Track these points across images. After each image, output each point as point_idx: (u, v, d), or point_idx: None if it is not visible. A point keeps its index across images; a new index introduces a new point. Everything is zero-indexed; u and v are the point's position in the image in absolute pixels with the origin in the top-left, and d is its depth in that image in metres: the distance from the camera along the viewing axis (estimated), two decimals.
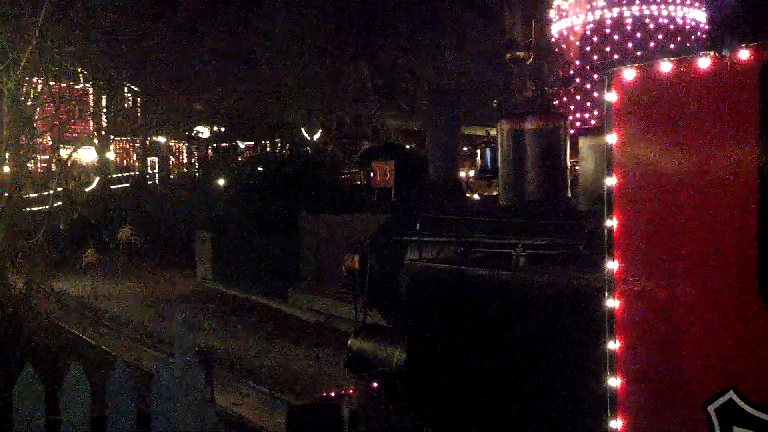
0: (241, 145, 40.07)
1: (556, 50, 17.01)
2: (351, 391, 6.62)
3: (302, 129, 34.67)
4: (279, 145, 37.56)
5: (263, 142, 39.14)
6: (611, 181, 3.91)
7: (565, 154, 6.45)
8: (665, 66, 3.70)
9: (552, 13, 18.02)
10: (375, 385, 6.36)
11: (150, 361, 11.09)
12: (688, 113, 3.60)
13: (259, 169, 25.46)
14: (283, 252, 20.29)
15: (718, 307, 3.41)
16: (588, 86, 16.36)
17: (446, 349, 5.55)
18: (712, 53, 3.50)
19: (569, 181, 6.70)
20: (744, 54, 3.38)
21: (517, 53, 7.20)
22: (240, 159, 34.96)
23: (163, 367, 4.65)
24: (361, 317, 7.26)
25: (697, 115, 3.57)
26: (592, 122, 16.14)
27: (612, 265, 3.86)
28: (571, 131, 6.94)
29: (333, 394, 6.69)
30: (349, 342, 7.19)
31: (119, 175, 36.91)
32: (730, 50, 3.40)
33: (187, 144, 42.72)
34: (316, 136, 34.78)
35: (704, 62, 3.54)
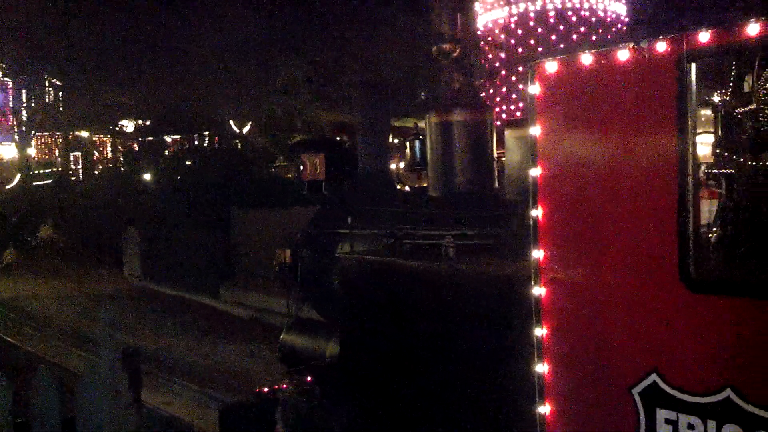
0: (168, 138, 39.28)
1: (482, 43, 17.20)
2: (285, 386, 6.57)
3: (231, 122, 34.20)
4: (207, 138, 36.97)
5: (191, 135, 38.46)
6: (536, 172, 3.98)
7: (492, 146, 6.53)
8: (586, 58, 3.78)
9: (477, 6, 18.21)
10: (309, 378, 6.33)
11: (77, 362, 10.80)
12: (609, 104, 3.69)
13: (187, 163, 25.04)
14: (213, 247, 20.02)
15: (640, 293, 3.50)
16: (513, 78, 16.61)
17: (379, 340, 5.57)
18: (631, 45, 3.58)
19: (496, 172, 6.79)
20: (661, 46, 3.47)
21: (444, 46, 7.23)
22: (167, 153, 34.29)
23: (87, 369, 4.53)
24: (294, 311, 7.22)
25: (617, 106, 3.65)
26: (518, 114, 16.41)
27: (537, 253, 3.94)
28: (498, 123, 7.04)
29: (266, 389, 6.63)
30: (282, 336, 7.14)
31: (41, 171, 35.77)
32: (648, 43, 3.49)
33: (111, 138, 41.65)
34: (246, 129, 34.36)
35: (623, 54, 3.63)
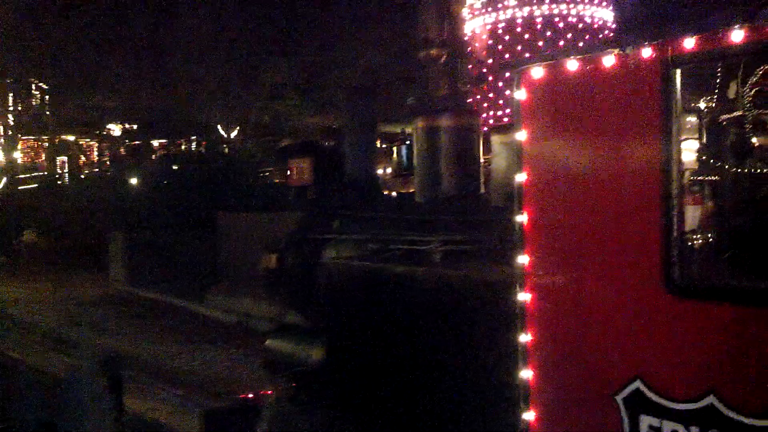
0: (155, 143, 39.16)
1: (470, 49, 17.23)
2: (269, 392, 6.53)
3: (218, 126, 34.13)
4: (195, 142, 36.88)
5: (178, 139, 38.36)
6: (521, 178, 3.98)
7: (479, 152, 6.53)
8: (572, 64, 3.78)
9: (465, 12, 18.24)
10: (293, 384, 6.29)
11: (58, 367, 10.70)
12: (594, 110, 3.69)
13: (174, 167, 24.95)
14: (200, 252, 19.94)
15: (624, 298, 3.50)
16: (500, 84, 16.65)
17: (365, 346, 5.55)
18: (616, 51, 3.58)
19: (483, 178, 6.79)
20: (646, 52, 3.47)
21: (432, 51, 7.24)
22: (153, 157, 34.17)
23: (67, 374, 4.49)
24: (279, 317, 7.18)
25: (602, 112, 3.65)
26: (506, 120, 16.44)
27: (523, 259, 3.93)
28: (485, 128, 7.04)
29: (250, 395, 6.59)
30: (266, 342, 7.09)
31: (27, 175, 35.55)
32: (633, 49, 3.49)
33: (98, 142, 41.48)
34: (233, 134, 34.31)
35: (609, 60, 3.63)
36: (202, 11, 30.59)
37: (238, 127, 34.33)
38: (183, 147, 37.61)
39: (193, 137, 36.80)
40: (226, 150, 31.12)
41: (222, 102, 32.11)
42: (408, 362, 5.18)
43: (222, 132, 34.39)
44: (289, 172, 8.13)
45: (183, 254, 20.07)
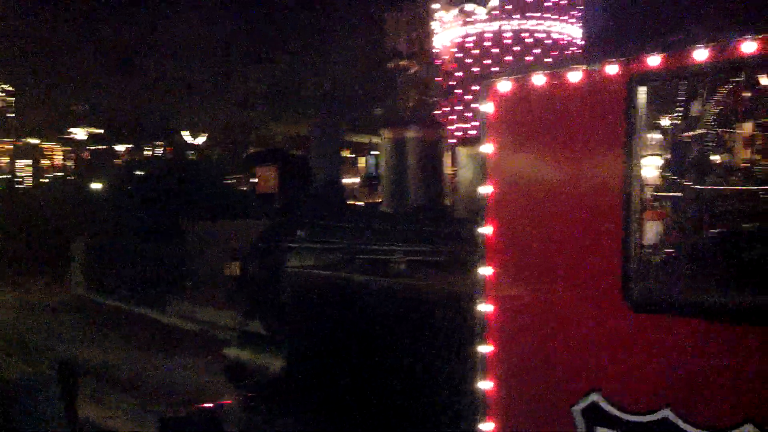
0: (121, 148, 38.74)
1: (438, 61, 17.34)
2: (229, 401, 6.46)
3: (186, 132, 33.89)
4: (162, 149, 36.56)
5: (144, 145, 37.99)
6: (486, 190, 3.99)
7: (445, 163, 6.57)
8: (538, 79, 3.80)
9: (435, 25, 18.35)
10: (253, 394, 6.23)
11: (14, 373, 10.49)
12: (559, 125, 3.71)
13: (140, 173, 24.68)
14: (164, 259, 19.69)
15: (584, 311, 3.52)
16: (469, 97, 16.76)
17: (329, 355, 5.51)
18: (582, 67, 3.62)
19: (451, 189, 6.83)
20: (612, 68, 3.51)
21: (401, 63, 7.27)
22: (119, 162, 33.80)
23: (21, 380, 4.39)
24: (241, 325, 7.11)
25: (567, 126, 3.68)
26: (473, 132, 16.55)
27: (486, 270, 3.93)
28: (453, 140, 7.08)
29: (210, 404, 6.50)
30: (226, 350, 7.01)
31: None
32: (599, 65, 3.52)
33: (62, 146, 40.93)
34: (201, 140, 34.09)
35: (575, 76, 3.66)
36: (173, 17, 30.42)
37: (206, 134, 34.14)
38: (149, 152, 37.26)
39: (160, 143, 36.50)
40: (193, 156, 30.90)
41: (191, 108, 31.90)
42: (370, 371, 5.16)
43: (190, 138, 34.15)
44: (255, 180, 8.09)
45: (146, 261, 19.81)
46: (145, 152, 37.20)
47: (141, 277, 19.44)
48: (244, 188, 23.70)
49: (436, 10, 18.02)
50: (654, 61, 3.38)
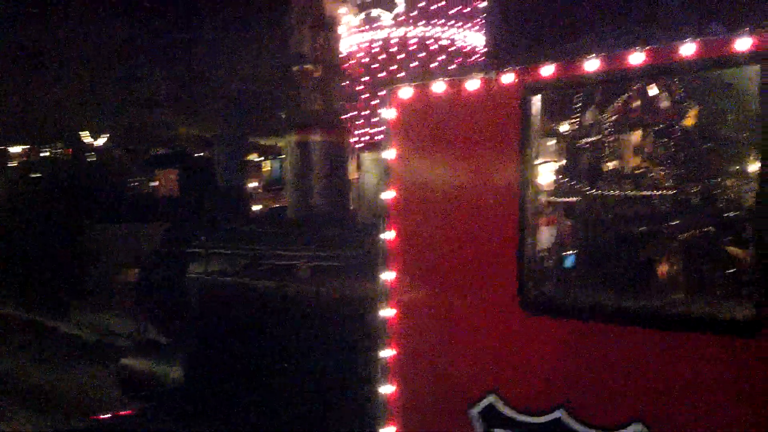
0: (16, 149, 37.05)
1: (344, 66, 17.37)
2: (128, 412, 6.27)
3: (87, 133, 32.72)
4: (61, 149, 35.16)
5: (40, 146, 36.46)
6: (388, 195, 4.02)
7: (349, 168, 6.58)
8: (439, 86, 3.87)
9: (341, 29, 18.34)
10: (151, 404, 6.07)
11: None
12: (458, 132, 3.78)
13: (36, 175, 23.67)
14: (61, 265, 18.94)
15: (481, 315, 3.60)
16: (375, 102, 16.84)
17: (230, 362, 5.43)
18: (480, 75, 3.70)
19: (355, 194, 6.85)
20: (508, 77, 3.60)
21: (306, 66, 7.25)
22: (13, 163, 32.33)
23: None
24: (139, 333, 6.92)
25: (466, 133, 3.76)
26: (378, 138, 16.62)
27: (387, 275, 3.97)
28: (358, 146, 7.11)
29: (108, 415, 6.29)
30: (122, 360, 6.80)
31: None
32: (496, 74, 3.60)
33: None
34: (102, 141, 32.99)
35: (473, 84, 3.74)
36: (74, 15, 29.33)
37: (107, 135, 33.06)
38: (46, 154, 35.77)
39: (59, 144, 35.10)
40: (95, 158, 29.87)
41: (91, 107, 30.83)
42: (272, 377, 5.11)
43: (90, 139, 32.99)
44: (157, 183, 7.91)
45: (43, 267, 19.01)
46: (41, 154, 35.68)
47: (39, 284, 18.66)
48: (146, 191, 23.07)
49: (342, 15, 18.07)
50: (547, 70, 3.48)
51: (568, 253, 4.00)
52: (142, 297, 6.79)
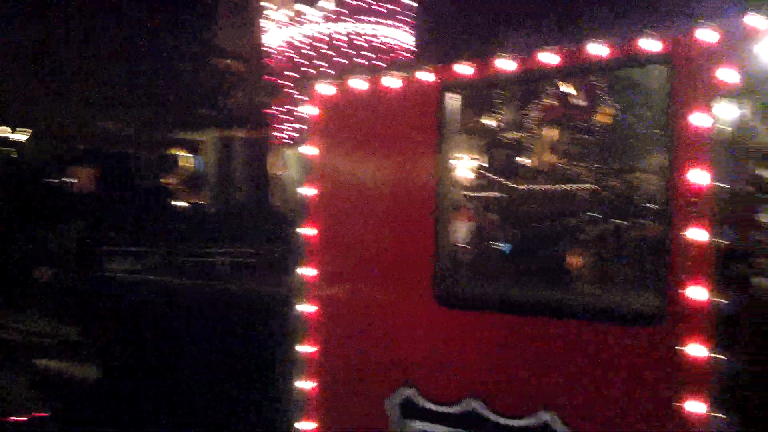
0: None
1: (269, 61, 17.22)
2: (46, 414, 6.11)
3: (7, 128, 31.44)
4: None
5: None
6: (309, 191, 4.03)
7: (270, 163, 6.56)
8: (359, 83, 3.89)
9: (266, 24, 18.18)
10: (69, 404, 5.92)
11: None
12: (378, 128, 3.82)
13: None
14: None
15: (398, 309, 3.64)
16: (300, 98, 16.76)
17: (146, 361, 5.35)
18: (400, 73, 3.73)
19: (277, 190, 6.82)
20: (427, 75, 3.65)
21: (230, 61, 7.18)
22: None
23: None
24: (58, 334, 6.75)
25: (385, 130, 3.79)
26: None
27: (307, 271, 3.97)
28: (287, 141, 7.07)
29: (26, 417, 6.12)
30: (37, 361, 6.63)
31: None
32: (415, 72, 3.65)
33: None
34: (23, 137, 31.75)
35: (393, 81, 3.77)
36: None
37: (28, 130, 31.82)
38: None
39: None
40: (13, 154, 28.73)
41: (9, 102, 29.62)
42: (190, 375, 5.06)
43: (9, 133, 31.72)
44: (72, 180, 7.71)
45: None
46: None
47: None
48: (63, 188, 22.34)
49: (267, 9, 17.89)
50: (463, 69, 3.54)
51: (483, 246, 4.09)
52: (56, 296, 6.62)
